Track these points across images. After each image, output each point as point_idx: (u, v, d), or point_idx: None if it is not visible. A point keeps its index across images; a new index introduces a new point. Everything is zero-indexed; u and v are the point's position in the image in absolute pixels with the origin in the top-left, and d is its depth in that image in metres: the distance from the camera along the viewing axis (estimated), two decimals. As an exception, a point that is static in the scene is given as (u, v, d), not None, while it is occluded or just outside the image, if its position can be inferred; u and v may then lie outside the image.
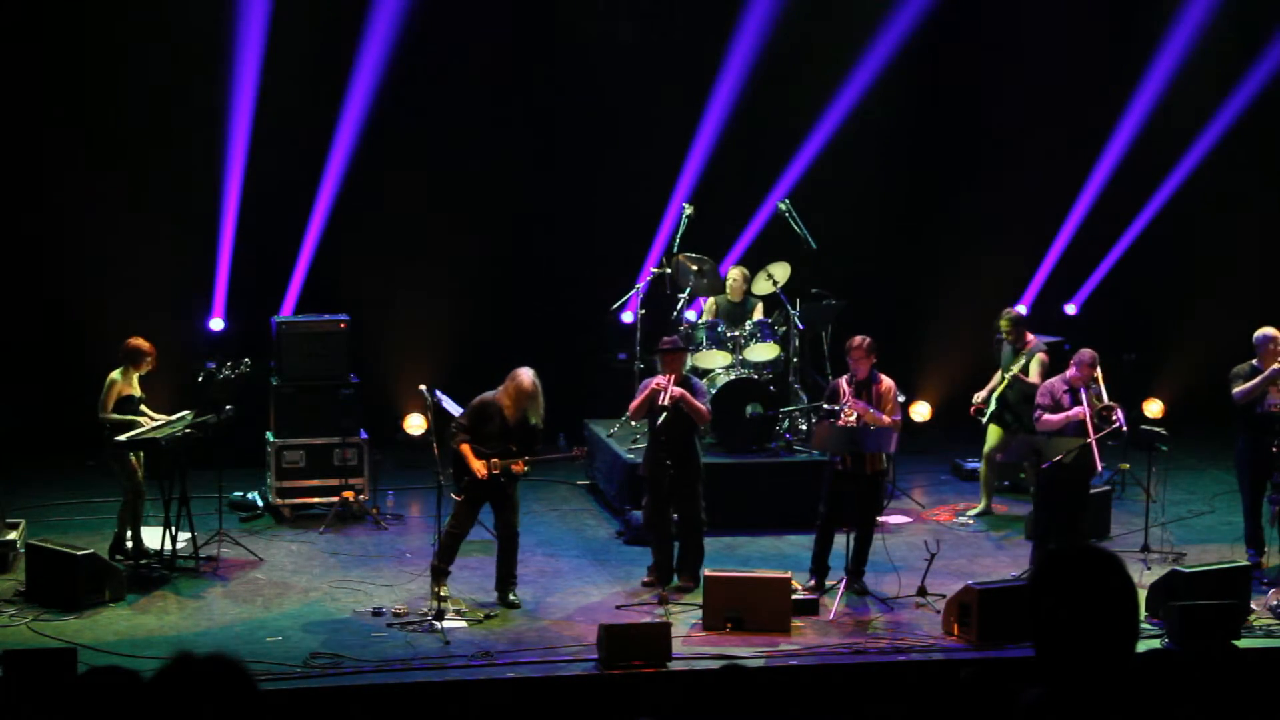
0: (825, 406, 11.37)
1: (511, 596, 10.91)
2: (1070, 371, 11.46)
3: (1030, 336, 13.39)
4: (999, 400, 13.30)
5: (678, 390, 11.07)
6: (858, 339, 11.31)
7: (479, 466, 10.69)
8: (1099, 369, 11.47)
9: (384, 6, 15.27)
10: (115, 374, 11.76)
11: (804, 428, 13.76)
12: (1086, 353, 11.48)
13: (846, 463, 11.14)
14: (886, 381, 11.34)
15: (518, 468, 10.77)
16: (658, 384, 11.16)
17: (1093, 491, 12.93)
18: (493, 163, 16.10)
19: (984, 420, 13.44)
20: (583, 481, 14.75)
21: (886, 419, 11.09)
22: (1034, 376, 12.97)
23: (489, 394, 10.89)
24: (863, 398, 11.16)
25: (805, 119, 16.41)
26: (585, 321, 16.10)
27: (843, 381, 11.36)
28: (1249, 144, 16.91)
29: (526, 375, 10.83)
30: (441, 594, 10.54)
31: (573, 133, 16.33)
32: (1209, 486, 14.57)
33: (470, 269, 16.07)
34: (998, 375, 13.40)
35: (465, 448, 10.74)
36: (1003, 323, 13.39)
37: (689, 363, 13.29)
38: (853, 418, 11.06)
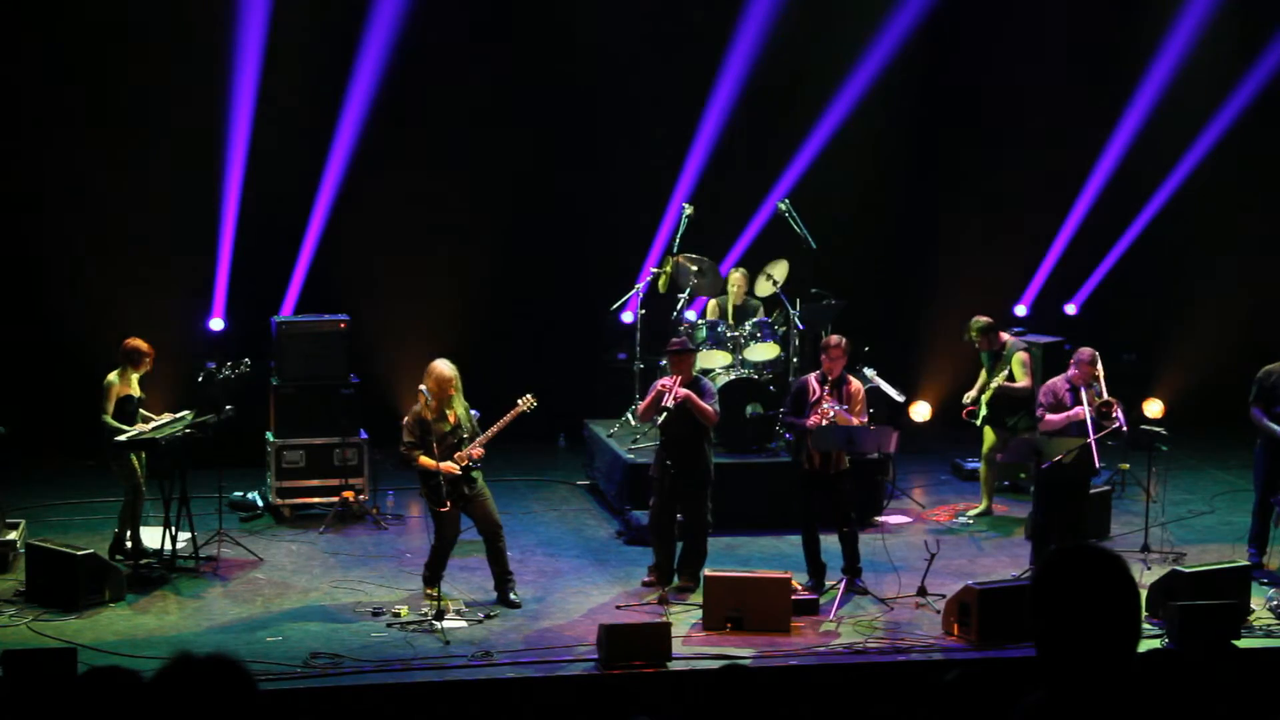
0: (823, 406, 11.26)
1: (512, 596, 10.90)
2: (1071, 370, 11.47)
3: (1004, 336, 13.30)
4: (989, 405, 13.24)
5: (683, 391, 11.06)
6: (836, 338, 11.33)
7: (448, 465, 10.70)
8: (1100, 366, 11.45)
9: (384, 6, 15.27)
10: (113, 375, 11.76)
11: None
12: (1086, 351, 11.48)
13: (814, 461, 11.14)
14: (856, 384, 11.35)
15: (476, 453, 10.78)
16: (663, 385, 11.17)
17: (1093, 491, 12.93)
18: (493, 162, 16.10)
19: (977, 423, 13.40)
20: (583, 481, 14.76)
21: (855, 421, 11.09)
22: (1021, 377, 12.94)
23: (415, 406, 10.89)
24: (833, 397, 11.16)
25: (805, 119, 16.42)
26: (585, 321, 16.10)
27: (812, 379, 11.33)
28: (1249, 143, 16.91)
29: (441, 362, 10.90)
30: (434, 595, 10.56)
31: (573, 133, 16.33)
32: (1209, 486, 14.58)
33: (470, 269, 16.08)
34: (983, 375, 13.31)
35: (423, 459, 10.72)
36: (971, 334, 13.21)
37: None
38: (830, 414, 11.04)
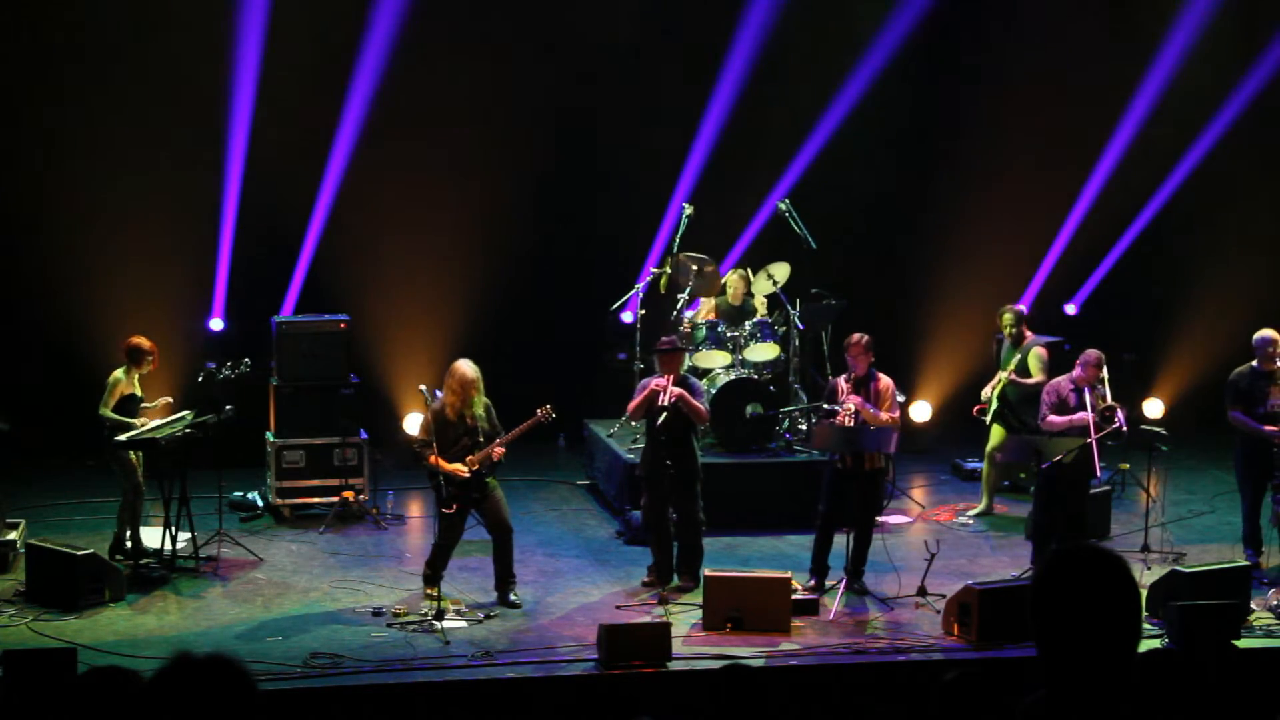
0: (825, 406, 11.35)
1: (512, 597, 10.89)
2: (1076, 371, 11.47)
3: (1028, 333, 13.39)
4: (1000, 399, 13.27)
5: (677, 390, 11.08)
6: (856, 336, 11.33)
7: (458, 468, 10.70)
8: (1105, 369, 11.45)
9: (384, 6, 15.27)
10: (119, 372, 11.77)
11: (804, 428, 13.76)
12: (1092, 353, 11.47)
13: (847, 462, 11.15)
14: (885, 380, 11.34)
15: (497, 453, 10.77)
16: (657, 384, 11.17)
17: (1093, 491, 12.93)
18: (494, 163, 16.09)
19: (987, 420, 13.40)
20: (583, 481, 14.76)
21: (884, 417, 11.10)
22: (1035, 373, 12.97)
23: (434, 404, 10.89)
24: (860, 395, 11.18)
25: (805, 119, 16.42)
26: (585, 321, 16.10)
27: (841, 380, 11.37)
28: (1249, 143, 16.91)
29: (465, 363, 10.88)
30: (434, 594, 10.56)
31: (573, 132, 16.33)
32: (1209, 486, 14.57)
33: (470, 269, 16.06)
34: (999, 373, 13.37)
35: (435, 459, 10.70)
36: (1006, 318, 13.33)
37: (689, 362, 13.30)
38: (851, 411, 11.06)
